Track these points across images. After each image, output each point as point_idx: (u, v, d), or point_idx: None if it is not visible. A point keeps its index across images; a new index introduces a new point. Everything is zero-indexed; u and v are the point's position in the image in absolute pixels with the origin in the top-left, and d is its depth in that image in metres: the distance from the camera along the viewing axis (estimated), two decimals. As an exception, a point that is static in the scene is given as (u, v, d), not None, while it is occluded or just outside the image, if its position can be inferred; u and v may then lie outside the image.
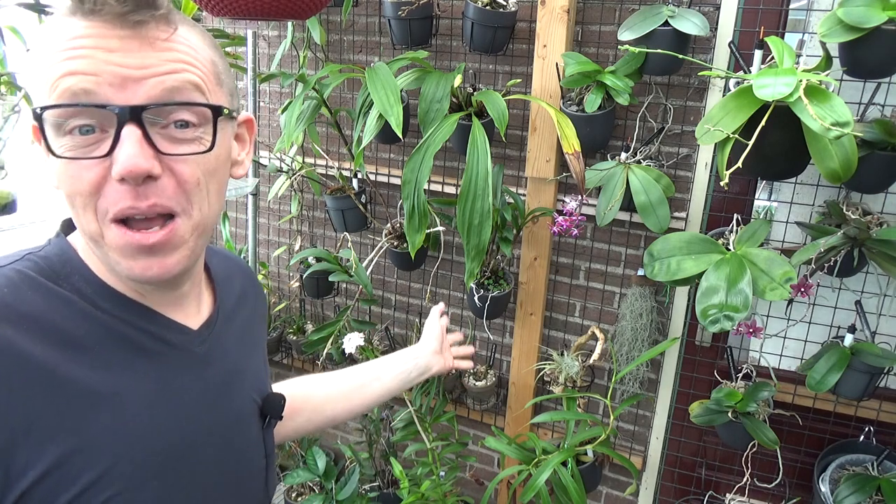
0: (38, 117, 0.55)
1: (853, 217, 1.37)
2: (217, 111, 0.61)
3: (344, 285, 2.20)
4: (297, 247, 2.25)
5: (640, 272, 1.65)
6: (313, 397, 1.01)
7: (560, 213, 1.59)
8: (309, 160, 2.12)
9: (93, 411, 0.57)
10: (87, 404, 0.57)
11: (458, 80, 1.55)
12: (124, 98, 0.55)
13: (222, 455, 0.69)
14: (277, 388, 0.88)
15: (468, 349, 1.28)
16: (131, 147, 0.55)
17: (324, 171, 2.10)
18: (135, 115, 0.55)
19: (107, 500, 0.56)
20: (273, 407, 0.78)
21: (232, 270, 0.82)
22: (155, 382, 0.63)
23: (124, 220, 0.57)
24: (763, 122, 1.15)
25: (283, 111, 1.70)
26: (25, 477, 0.53)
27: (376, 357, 1.83)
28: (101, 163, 0.56)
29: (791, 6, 1.50)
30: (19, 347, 0.54)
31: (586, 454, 1.69)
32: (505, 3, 1.63)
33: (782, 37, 1.39)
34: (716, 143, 1.27)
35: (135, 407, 0.60)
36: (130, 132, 0.55)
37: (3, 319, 0.55)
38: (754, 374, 1.57)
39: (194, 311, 0.70)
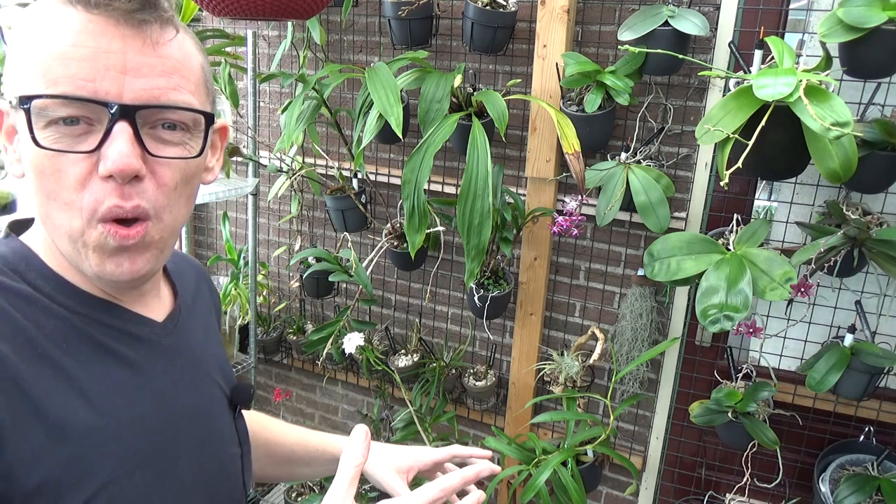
0: (27, 104, 0.53)
1: (853, 217, 1.37)
2: (210, 119, 0.61)
3: (344, 285, 2.20)
4: (297, 247, 2.25)
5: (640, 272, 1.65)
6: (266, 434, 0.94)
7: (560, 213, 1.59)
8: (309, 160, 2.12)
9: (67, 410, 0.56)
10: (61, 404, 0.55)
11: (458, 80, 1.55)
12: (119, 96, 0.55)
13: (202, 441, 0.69)
14: None
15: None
16: (123, 145, 0.54)
17: (324, 171, 2.10)
18: (129, 113, 0.55)
19: (94, 494, 0.55)
20: (242, 396, 0.77)
21: (183, 266, 0.82)
22: (126, 375, 0.62)
23: (107, 219, 0.57)
24: (763, 122, 1.15)
25: (283, 111, 1.70)
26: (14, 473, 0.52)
27: (375, 357, 1.85)
28: (88, 157, 0.55)
29: (791, 6, 1.50)
30: None
31: (586, 454, 1.69)
32: (505, 3, 1.63)
33: (782, 37, 1.39)
34: (716, 143, 1.27)
35: (110, 400, 0.59)
36: (122, 129, 0.55)
37: None
38: (754, 374, 1.57)
39: (156, 304, 0.70)
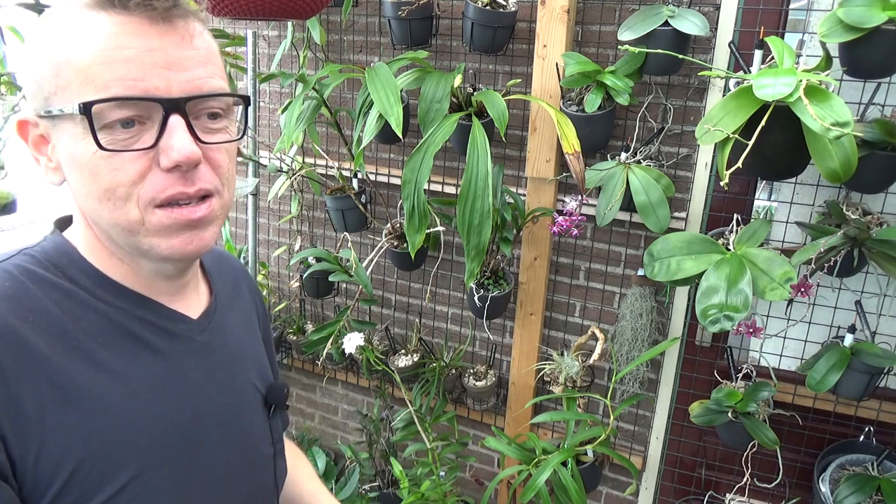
0: (87, 111, 0.55)
1: (853, 217, 1.37)
2: (248, 101, 0.66)
3: (344, 285, 2.20)
4: (297, 247, 2.25)
5: (640, 272, 1.65)
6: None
7: (560, 213, 1.59)
8: (309, 160, 2.12)
9: (99, 402, 0.58)
10: (92, 395, 0.58)
11: (458, 80, 1.55)
12: (167, 90, 0.57)
13: (230, 438, 0.70)
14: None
15: None
16: (184, 135, 0.57)
17: (324, 171, 2.10)
18: (179, 106, 0.58)
19: (121, 488, 0.57)
20: (276, 395, 0.79)
21: (223, 264, 0.83)
22: (159, 369, 0.64)
23: (166, 204, 0.60)
24: (763, 122, 1.15)
25: (283, 111, 1.70)
26: (37, 468, 0.54)
27: (375, 357, 1.84)
28: (146, 154, 0.57)
29: (791, 6, 1.50)
30: (26, 338, 0.55)
31: (586, 454, 1.69)
32: (505, 3, 1.63)
33: (782, 37, 1.39)
34: (716, 143, 1.27)
35: (142, 394, 0.61)
36: (177, 122, 0.57)
37: (9, 312, 0.56)
38: (754, 374, 1.57)
39: (193, 300, 0.72)
